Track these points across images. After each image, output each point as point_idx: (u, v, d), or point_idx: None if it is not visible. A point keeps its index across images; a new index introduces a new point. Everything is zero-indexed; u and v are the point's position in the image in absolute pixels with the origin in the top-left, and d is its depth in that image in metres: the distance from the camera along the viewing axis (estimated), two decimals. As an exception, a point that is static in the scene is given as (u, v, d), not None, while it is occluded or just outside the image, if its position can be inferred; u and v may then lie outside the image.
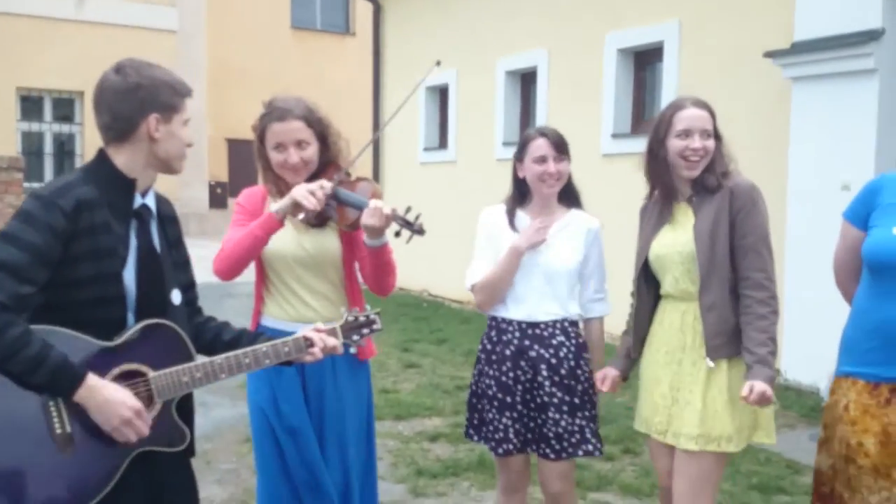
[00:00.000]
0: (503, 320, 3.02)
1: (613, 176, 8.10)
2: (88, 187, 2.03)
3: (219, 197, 20.79)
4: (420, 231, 2.63)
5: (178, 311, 2.19)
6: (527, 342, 2.96)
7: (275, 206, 2.71)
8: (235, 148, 20.81)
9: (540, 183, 2.97)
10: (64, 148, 17.31)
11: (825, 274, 2.88)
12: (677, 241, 2.80)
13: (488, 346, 3.05)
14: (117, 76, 2.07)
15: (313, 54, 22.07)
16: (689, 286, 2.78)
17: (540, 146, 2.96)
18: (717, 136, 2.82)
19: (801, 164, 6.33)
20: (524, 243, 2.93)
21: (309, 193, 2.62)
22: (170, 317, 2.14)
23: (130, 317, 2.07)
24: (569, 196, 3.08)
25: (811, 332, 6.06)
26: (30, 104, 16.13)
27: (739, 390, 2.62)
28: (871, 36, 5.74)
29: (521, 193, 3.07)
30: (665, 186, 2.86)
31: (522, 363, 2.96)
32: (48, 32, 15.59)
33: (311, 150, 2.83)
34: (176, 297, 2.19)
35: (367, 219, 2.63)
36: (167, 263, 2.18)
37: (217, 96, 19.62)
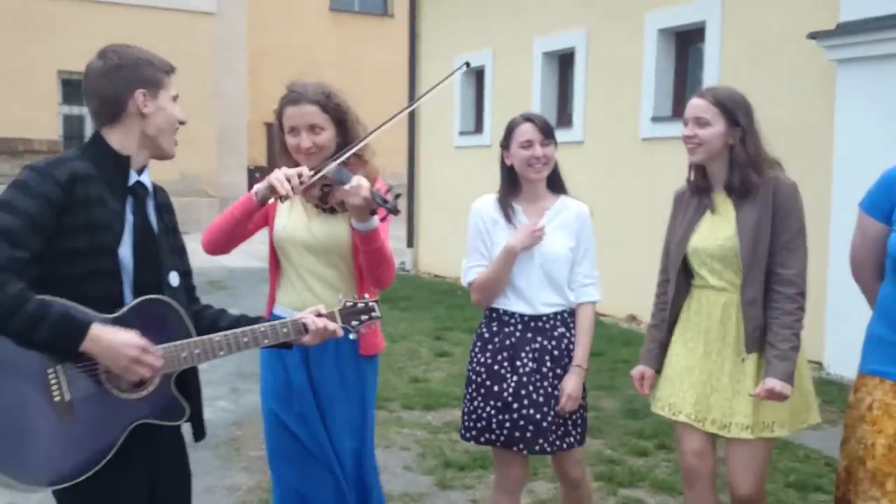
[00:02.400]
0: (504, 312, 2.99)
1: (653, 161, 7.95)
2: (84, 162, 2.06)
3: (257, 181, 20.84)
4: (394, 210, 2.56)
5: (176, 293, 2.19)
6: (529, 334, 2.95)
7: (255, 186, 2.71)
8: (274, 132, 20.89)
9: (527, 168, 2.94)
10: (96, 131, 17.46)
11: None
12: (720, 233, 2.80)
13: (486, 335, 3.01)
14: (99, 60, 2.12)
15: (352, 37, 22.03)
16: (733, 278, 2.79)
17: (526, 131, 2.94)
18: (742, 127, 2.77)
19: (847, 150, 6.12)
20: (518, 245, 2.92)
21: (285, 178, 2.58)
22: (168, 296, 2.15)
23: (128, 294, 2.09)
24: (556, 183, 3.06)
25: (855, 325, 5.87)
26: (71, 88, 16.30)
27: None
28: (923, 15, 5.51)
29: (511, 182, 3.03)
30: (702, 174, 2.89)
31: (523, 354, 2.94)
32: (88, 15, 15.72)
33: (325, 136, 2.80)
34: (174, 279, 2.20)
35: (347, 197, 2.59)
36: (164, 245, 2.20)
37: (256, 80, 19.68)
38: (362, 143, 2.78)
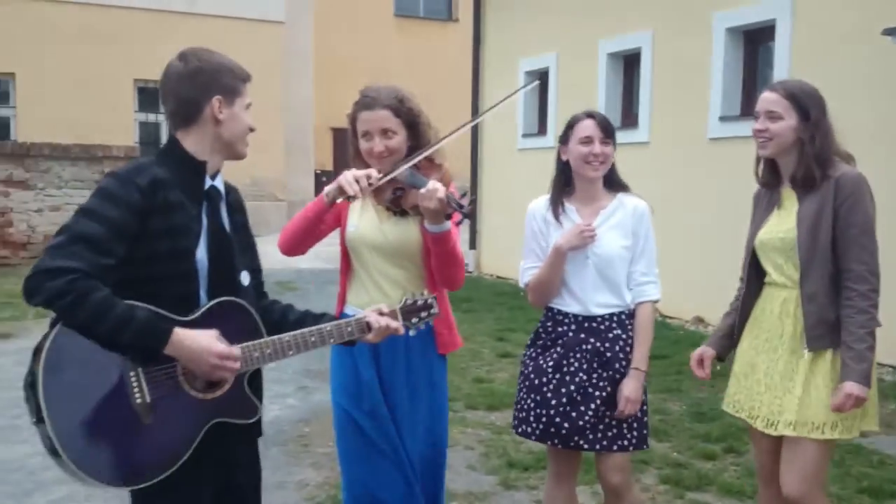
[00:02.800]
0: (559, 312, 2.99)
1: (721, 161, 7.82)
2: (162, 168, 2.12)
3: (324, 185, 21.05)
4: (468, 215, 2.62)
5: (247, 292, 2.26)
6: (582, 335, 2.94)
7: (326, 188, 2.75)
8: (340, 137, 21.14)
9: (584, 165, 2.91)
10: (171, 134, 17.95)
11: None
12: (781, 226, 2.78)
13: (541, 332, 3.03)
14: (180, 63, 2.16)
15: (416, 42, 22.20)
16: (793, 273, 2.75)
17: (587, 127, 2.91)
18: (811, 121, 2.71)
19: (926, 148, 5.92)
20: (565, 245, 2.90)
21: (354, 180, 2.62)
22: (240, 296, 2.21)
23: (203, 294, 2.15)
24: (614, 183, 3.03)
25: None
26: (146, 95, 16.80)
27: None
28: None
29: (565, 180, 3.01)
30: (772, 168, 2.86)
31: (571, 355, 2.93)
32: (163, 25, 16.19)
33: (398, 140, 2.83)
34: (245, 278, 2.27)
35: (422, 201, 2.62)
36: (235, 245, 2.26)
37: (322, 86, 19.99)
38: (433, 149, 2.79)
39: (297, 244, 2.85)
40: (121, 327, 1.94)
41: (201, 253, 2.14)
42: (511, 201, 11.28)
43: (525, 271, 3.05)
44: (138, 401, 2.01)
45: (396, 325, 2.42)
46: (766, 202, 2.88)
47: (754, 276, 2.89)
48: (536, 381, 2.95)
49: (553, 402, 2.90)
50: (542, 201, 3.06)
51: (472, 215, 2.61)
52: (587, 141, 2.89)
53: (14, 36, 15.33)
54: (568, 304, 2.97)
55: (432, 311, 2.53)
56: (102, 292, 1.93)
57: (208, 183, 2.21)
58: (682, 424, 5.13)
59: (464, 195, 2.68)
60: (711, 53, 8.11)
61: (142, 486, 2.05)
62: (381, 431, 2.87)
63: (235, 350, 2.10)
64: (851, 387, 2.58)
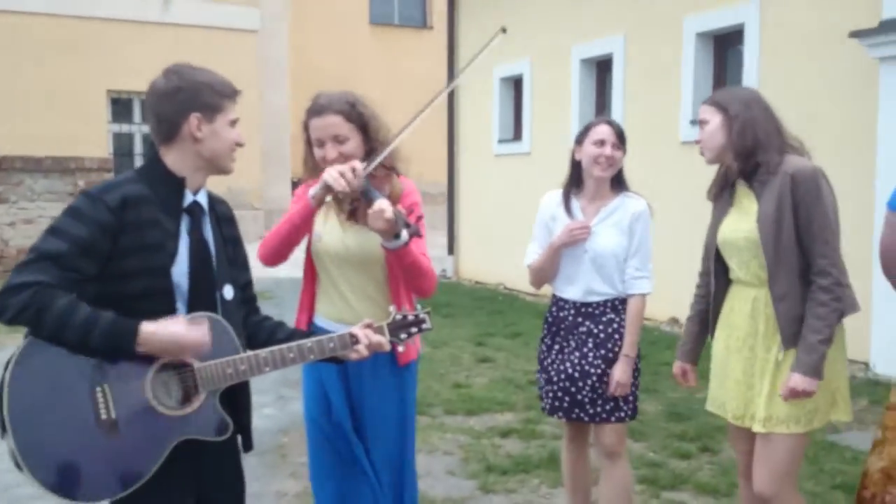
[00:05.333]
0: (560, 299, 3.31)
1: (693, 163, 7.87)
2: (139, 185, 2.12)
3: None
4: (416, 233, 2.57)
5: (229, 306, 2.23)
6: (580, 318, 3.24)
7: (311, 190, 2.69)
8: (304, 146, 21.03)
9: (594, 165, 3.17)
10: (154, 148, 17.80)
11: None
12: (743, 226, 2.80)
13: (549, 319, 3.35)
14: (162, 79, 2.16)
15: (392, 49, 22.21)
16: (759, 271, 2.78)
17: (602, 131, 3.18)
18: (730, 116, 2.76)
19: (891, 148, 6.02)
20: (557, 243, 3.21)
21: (339, 175, 2.56)
22: (221, 311, 2.19)
23: (182, 310, 2.13)
24: (622, 184, 3.29)
25: (903, 324, 5.77)
26: (120, 106, 16.66)
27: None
28: (968, 10, 5.41)
29: (576, 178, 3.27)
30: (722, 175, 2.95)
31: (570, 337, 3.25)
32: (136, 35, 16.06)
33: (351, 145, 2.77)
34: (228, 292, 2.23)
35: (370, 221, 2.57)
36: (221, 259, 2.24)
37: (299, 94, 19.92)
38: (398, 140, 2.73)
39: (282, 253, 2.78)
40: (87, 330, 1.95)
41: (181, 269, 2.13)
42: (488, 206, 11.32)
43: (529, 254, 3.36)
44: (103, 416, 2.00)
45: (380, 339, 2.35)
46: (724, 199, 2.92)
47: (721, 273, 2.92)
48: (546, 362, 3.32)
49: (555, 379, 3.24)
50: (555, 194, 3.33)
51: (420, 234, 2.58)
52: (600, 143, 3.16)
53: (-16, 48, 15.17)
54: (567, 292, 3.28)
55: (423, 325, 2.45)
56: (65, 299, 1.94)
57: (189, 199, 2.19)
58: (658, 424, 5.18)
59: (411, 213, 2.62)
60: (682, 57, 8.20)
61: (108, 501, 2.03)
62: (347, 443, 2.86)
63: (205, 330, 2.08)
64: (796, 380, 2.60)
